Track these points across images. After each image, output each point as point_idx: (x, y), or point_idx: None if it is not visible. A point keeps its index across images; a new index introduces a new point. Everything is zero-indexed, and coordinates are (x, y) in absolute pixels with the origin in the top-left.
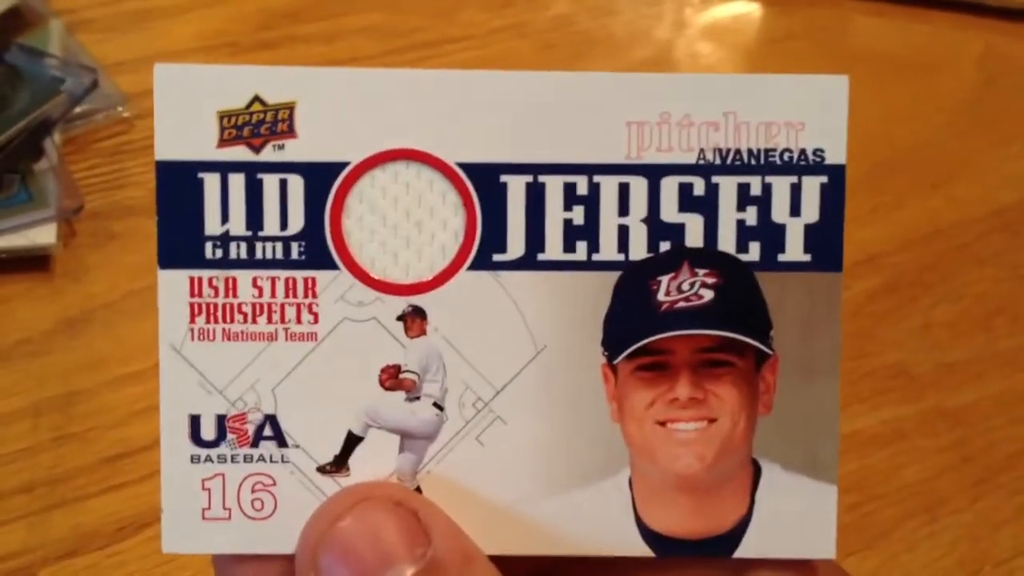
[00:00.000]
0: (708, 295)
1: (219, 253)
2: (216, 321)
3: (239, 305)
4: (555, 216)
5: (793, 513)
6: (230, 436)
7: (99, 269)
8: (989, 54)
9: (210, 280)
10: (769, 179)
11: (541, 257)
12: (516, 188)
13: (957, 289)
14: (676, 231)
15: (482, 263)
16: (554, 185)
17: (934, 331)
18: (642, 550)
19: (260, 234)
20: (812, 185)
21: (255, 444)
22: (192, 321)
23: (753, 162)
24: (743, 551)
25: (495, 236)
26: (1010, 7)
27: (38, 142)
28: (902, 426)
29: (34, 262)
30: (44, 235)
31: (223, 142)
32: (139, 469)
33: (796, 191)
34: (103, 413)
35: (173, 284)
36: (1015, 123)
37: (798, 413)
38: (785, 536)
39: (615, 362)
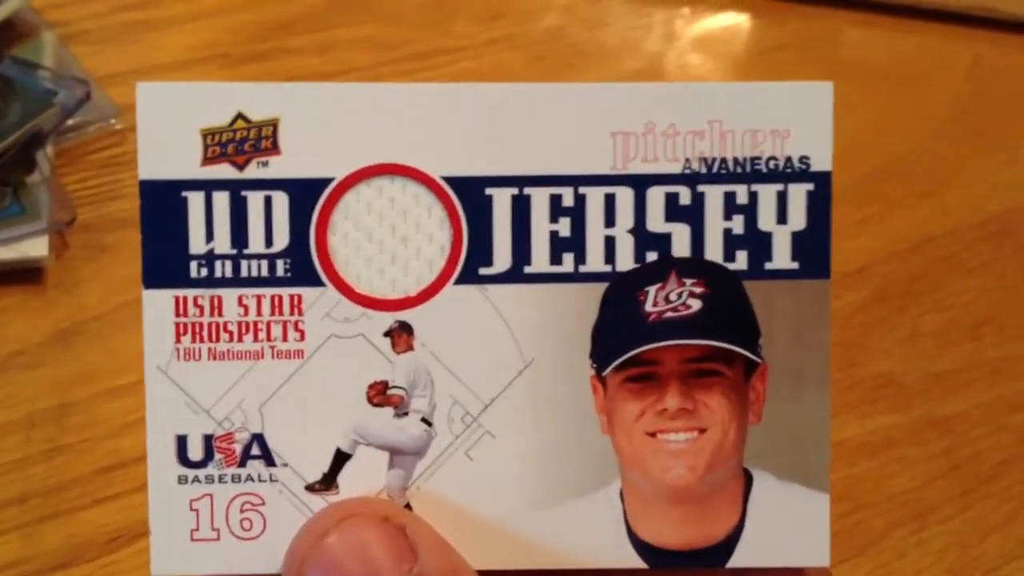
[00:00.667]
0: (696, 305)
1: (204, 272)
2: (202, 340)
3: (225, 324)
4: (541, 228)
5: (786, 521)
6: (218, 456)
7: (91, 281)
8: (978, 64)
9: (195, 299)
10: (755, 187)
11: (528, 270)
12: (502, 201)
13: (945, 299)
14: (663, 241)
15: (469, 277)
16: (540, 197)
17: (922, 340)
18: (635, 562)
19: (245, 252)
20: (798, 192)
21: (243, 464)
22: (178, 341)
23: (739, 170)
24: (736, 561)
25: (481, 249)
26: (998, 18)
27: (31, 154)
28: (891, 435)
29: (26, 274)
30: (36, 247)
31: (207, 160)
32: (132, 480)
33: (782, 199)
34: (96, 424)
35: (158, 304)
36: (1003, 133)
37: (788, 421)
38: (778, 545)
39: (604, 374)
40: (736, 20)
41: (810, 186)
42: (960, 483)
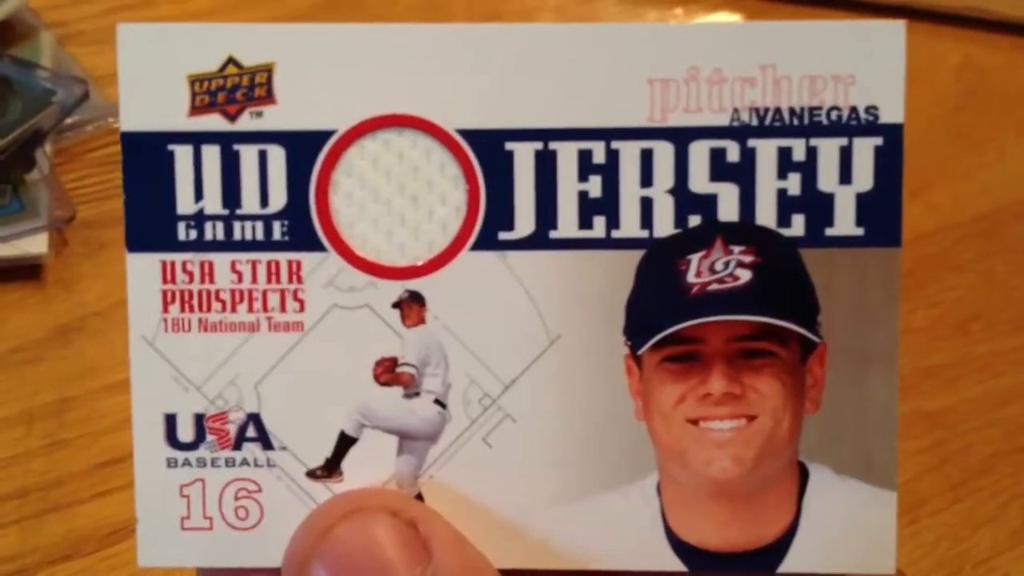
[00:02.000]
0: (745, 276)
1: (193, 234)
2: (192, 310)
3: (217, 292)
4: (568, 188)
5: (846, 523)
6: (210, 437)
7: (90, 278)
8: (967, 64)
9: (184, 264)
10: (814, 142)
11: (553, 235)
12: (524, 157)
13: (935, 295)
14: (707, 203)
15: (487, 242)
16: (567, 153)
17: (913, 336)
18: (672, 564)
19: (238, 212)
20: (864, 148)
21: (237, 446)
22: (165, 310)
23: (795, 122)
24: (788, 566)
25: (501, 212)
26: (987, 19)
27: (30, 153)
28: None
29: (26, 271)
30: (36, 244)
31: (195, 110)
32: (130, 474)
33: (846, 155)
34: (95, 420)
35: (143, 270)
36: (992, 132)
37: (851, 409)
38: (837, 549)
39: (639, 352)
40: (729, 19)
41: (878, 140)
42: (951, 477)
